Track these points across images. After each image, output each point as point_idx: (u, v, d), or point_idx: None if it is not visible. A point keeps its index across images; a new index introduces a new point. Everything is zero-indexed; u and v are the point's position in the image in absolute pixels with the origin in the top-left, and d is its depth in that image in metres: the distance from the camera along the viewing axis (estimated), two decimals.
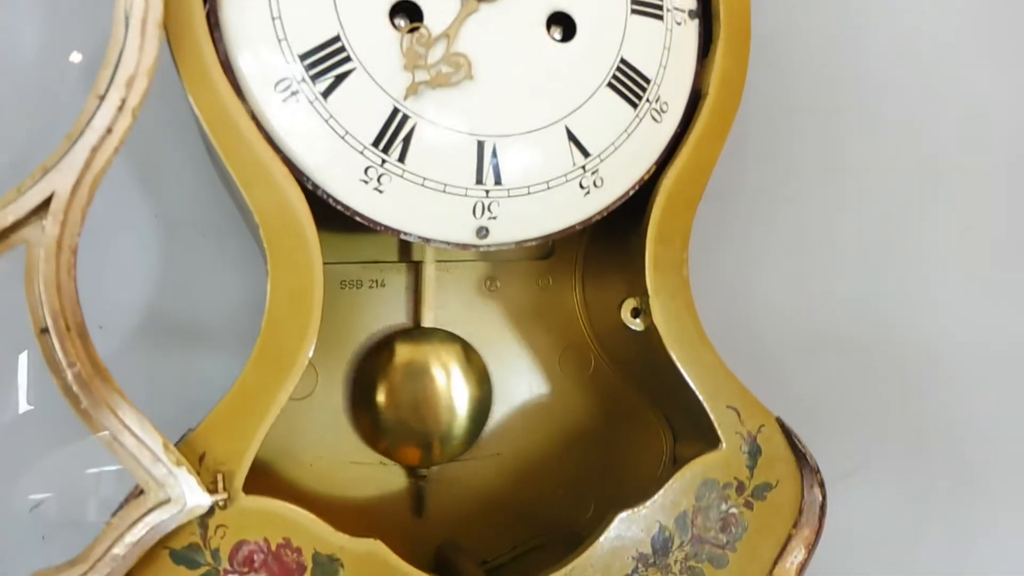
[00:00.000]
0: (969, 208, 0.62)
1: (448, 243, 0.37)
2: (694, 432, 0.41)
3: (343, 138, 0.34)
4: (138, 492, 0.30)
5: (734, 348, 0.42)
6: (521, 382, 0.48)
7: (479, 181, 0.36)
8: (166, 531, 0.30)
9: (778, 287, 0.58)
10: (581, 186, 0.38)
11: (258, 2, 0.34)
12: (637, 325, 0.40)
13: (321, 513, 0.34)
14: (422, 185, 0.35)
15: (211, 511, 0.32)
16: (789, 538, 0.39)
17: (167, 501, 0.30)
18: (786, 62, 0.57)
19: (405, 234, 0.36)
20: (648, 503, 0.38)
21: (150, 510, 0.30)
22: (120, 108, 0.30)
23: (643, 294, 0.39)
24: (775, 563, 0.39)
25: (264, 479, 0.34)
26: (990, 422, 0.62)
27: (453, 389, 0.45)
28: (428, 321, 0.45)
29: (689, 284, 0.39)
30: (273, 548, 0.33)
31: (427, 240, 0.36)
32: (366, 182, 0.35)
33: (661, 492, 0.38)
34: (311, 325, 0.34)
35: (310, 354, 0.34)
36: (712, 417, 0.39)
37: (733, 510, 0.39)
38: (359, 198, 0.35)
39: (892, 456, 0.61)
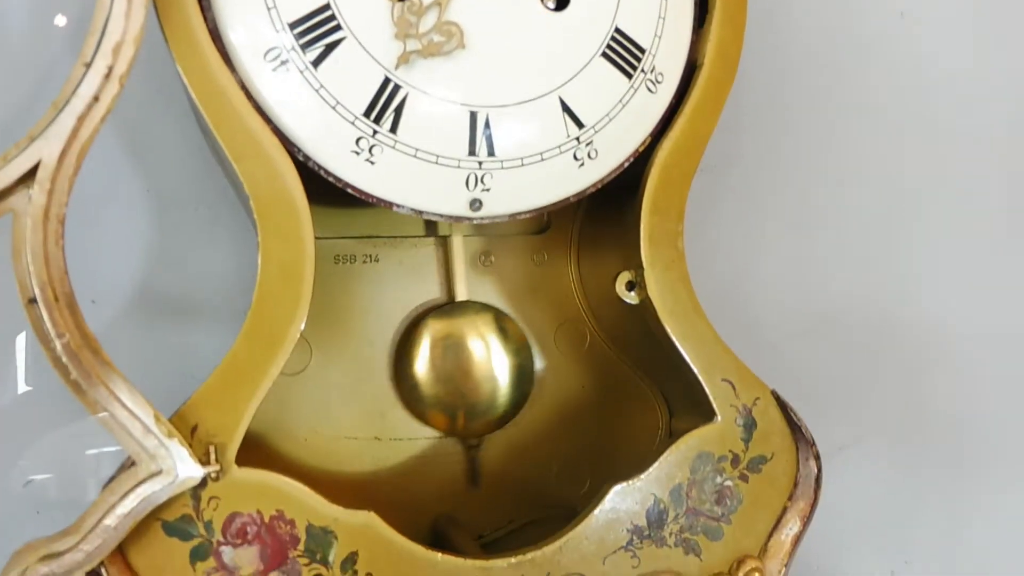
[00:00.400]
0: (969, 189, 0.61)
1: (441, 215, 0.36)
2: (690, 406, 0.41)
3: (334, 108, 0.34)
4: (129, 463, 0.30)
5: (730, 326, 0.42)
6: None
7: (472, 152, 0.36)
8: (158, 502, 0.30)
9: (774, 266, 0.58)
10: (575, 158, 0.37)
11: None
12: (632, 298, 0.39)
13: (315, 487, 0.34)
14: (414, 156, 0.35)
15: (203, 483, 0.32)
16: (784, 510, 0.39)
17: (159, 472, 0.30)
18: (783, 38, 0.57)
19: (397, 206, 0.36)
20: (643, 476, 0.37)
21: (141, 481, 0.30)
22: (107, 76, 0.30)
23: (638, 267, 0.39)
24: (770, 535, 0.39)
25: (257, 453, 0.34)
26: (987, 403, 0.62)
27: (493, 359, 0.44)
28: (461, 295, 0.45)
29: (684, 257, 0.39)
30: (266, 520, 0.33)
31: (420, 212, 0.36)
32: (357, 153, 0.34)
33: (656, 465, 0.38)
34: (303, 298, 0.33)
35: (302, 327, 0.33)
36: (707, 390, 0.38)
37: (728, 483, 0.38)
38: (351, 169, 0.35)
39: (888, 434, 0.61)
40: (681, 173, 0.39)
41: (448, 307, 0.45)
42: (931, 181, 0.60)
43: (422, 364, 0.44)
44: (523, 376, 0.46)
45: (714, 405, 0.39)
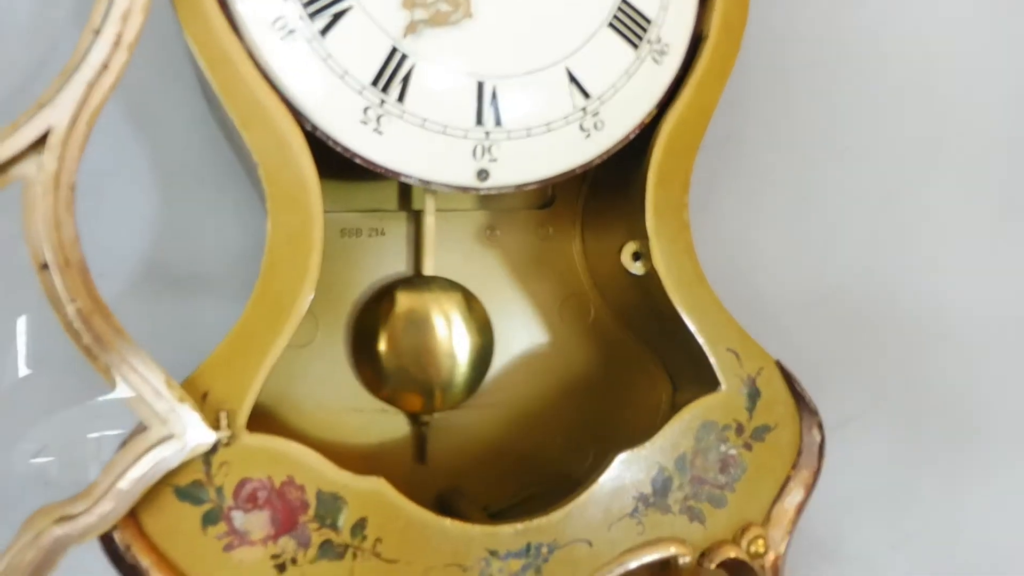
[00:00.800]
0: (973, 164, 0.61)
1: (448, 186, 0.36)
2: (694, 379, 0.42)
3: (342, 78, 0.34)
4: (141, 428, 0.31)
5: (732, 302, 0.42)
6: (521, 331, 0.48)
7: (479, 122, 0.36)
8: (170, 467, 0.31)
9: (777, 241, 0.58)
10: (582, 128, 0.37)
11: None
12: (637, 269, 0.39)
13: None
14: (422, 126, 0.35)
15: (214, 449, 0.32)
16: (788, 479, 0.40)
17: (170, 437, 0.30)
18: (788, 10, 0.57)
19: (405, 176, 0.36)
20: (648, 444, 0.38)
21: (153, 445, 0.30)
22: (116, 43, 0.30)
23: (643, 238, 0.39)
24: (773, 503, 0.39)
25: (265, 426, 0.34)
26: (989, 378, 0.63)
27: (454, 337, 0.44)
28: (429, 269, 0.45)
29: (689, 227, 0.39)
30: (277, 486, 0.33)
31: (427, 183, 0.36)
32: (365, 123, 0.35)
33: (661, 434, 0.38)
34: (312, 265, 0.34)
35: (311, 294, 0.34)
36: (712, 360, 0.39)
37: (732, 451, 0.39)
38: (358, 139, 0.35)
39: (889, 409, 0.61)
40: (686, 144, 0.39)
41: (416, 281, 0.45)
42: (935, 157, 0.60)
43: (383, 338, 0.44)
44: (480, 357, 0.45)
45: (719, 375, 0.39)
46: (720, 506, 0.39)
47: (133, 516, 0.31)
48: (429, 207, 0.44)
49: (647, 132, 0.39)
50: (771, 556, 0.39)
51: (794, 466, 0.40)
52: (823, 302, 0.59)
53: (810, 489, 0.40)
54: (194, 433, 0.31)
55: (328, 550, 0.34)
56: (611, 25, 0.37)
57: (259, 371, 0.33)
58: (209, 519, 0.33)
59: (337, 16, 0.34)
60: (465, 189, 0.37)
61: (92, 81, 0.30)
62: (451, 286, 0.45)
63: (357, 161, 0.35)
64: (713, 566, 0.38)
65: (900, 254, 0.61)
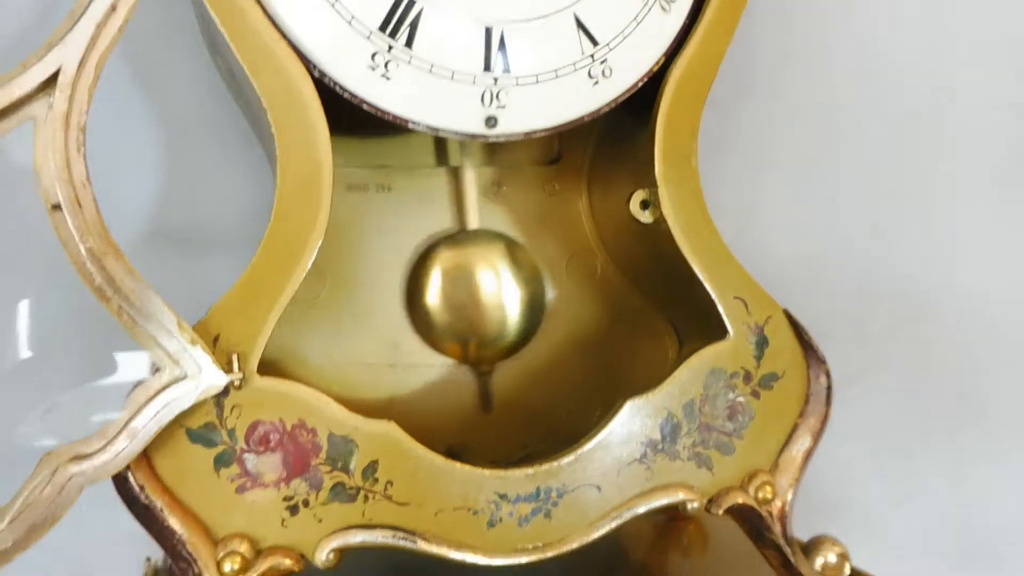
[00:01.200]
0: (978, 132, 0.61)
1: (456, 132, 0.36)
2: (700, 334, 0.42)
3: (349, 23, 0.34)
4: (154, 369, 0.31)
5: (737, 255, 0.42)
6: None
7: (487, 68, 0.36)
8: (182, 408, 0.31)
9: (783, 204, 0.58)
10: (590, 75, 0.37)
11: None
12: (646, 217, 0.40)
13: None
14: (430, 72, 0.35)
15: (226, 391, 0.32)
16: (795, 427, 0.40)
17: (183, 378, 0.30)
18: None
19: (413, 123, 0.36)
20: (657, 391, 0.38)
21: (166, 386, 0.30)
22: None
23: (652, 186, 0.39)
24: (781, 450, 0.40)
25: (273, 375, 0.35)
26: (993, 338, 0.63)
27: (503, 288, 0.45)
28: (473, 223, 0.45)
29: (698, 175, 0.39)
30: (288, 428, 0.33)
31: (435, 130, 0.36)
32: (373, 69, 0.35)
33: (669, 381, 0.38)
34: (321, 209, 0.34)
35: (321, 239, 0.34)
36: (720, 308, 0.39)
37: (740, 399, 0.39)
38: (366, 85, 0.35)
39: (895, 369, 0.61)
40: (695, 92, 0.39)
41: (459, 236, 0.45)
42: (942, 118, 0.60)
43: (434, 293, 0.44)
44: (534, 305, 0.46)
45: (727, 322, 0.39)
46: (728, 453, 0.39)
47: (147, 458, 0.32)
48: (468, 162, 0.44)
49: (655, 81, 0.39)
50: (778, 503, 0.39)
51: (801, 414, 0.40)
52: (828, 263, 0.59)
53: (817, 436, 0.40)
54: (206, 375, 0.31)
55: (340, 492, 0.34)
56: None
57: (270, 315, 0.33)
58: (222, 461, 0.33)
59: None
60: (473, 136, 0.37)
61: (101, 22, 0.30)
62: (496, 237, 0.46)
63: (365, 107, 0.35)
64: (721, 512, 0.38)
65: (906, 217, 0.61)
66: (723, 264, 0.39)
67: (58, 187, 0.29)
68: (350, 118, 0.35)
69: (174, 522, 0.32)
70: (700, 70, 0.39)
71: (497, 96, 0.36)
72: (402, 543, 0.34)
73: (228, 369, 0.32)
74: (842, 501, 0.60)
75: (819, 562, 0.39)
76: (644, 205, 0.40)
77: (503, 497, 0.36)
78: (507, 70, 0.36)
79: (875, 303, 0.61)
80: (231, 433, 0.33)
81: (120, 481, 0.31)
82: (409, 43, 0.35)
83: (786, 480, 0.39)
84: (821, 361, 0.40)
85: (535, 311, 0.46)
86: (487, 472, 0.36)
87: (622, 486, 0.37)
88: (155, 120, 0.48)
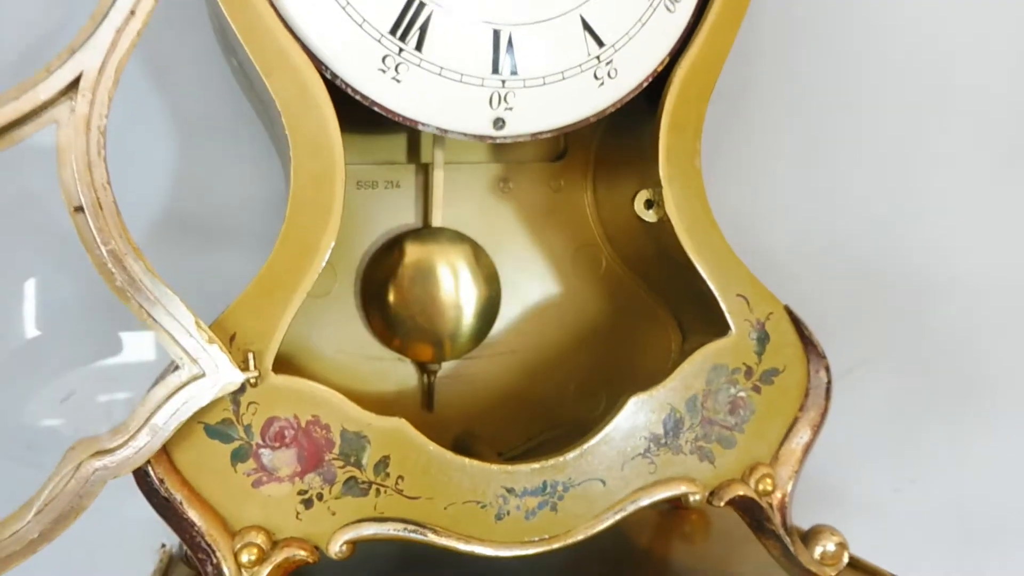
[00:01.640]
0: (981, 120, 0.62)
1: (465, 134, 0.37)
2: (703, 327, 0.43)
3: (360, 26, 0.35)
4: (173, 367, 0.32)
5: (742, 250, 0.43)
6: (533, 282, 0.49)
7: (495, 71, 0.36)
8: (201, 405, 0.32)
9: (787, 190, 0.59)
10: (596, 77, 0.38)
11: None
12: (650, 216, 0.40)
13: None
14: (439, 75, 0.36)
15: (243, 388, 0.33)
16: (795, 420, 0.41)
17: (201, 376, 0.31)
18: None
19: (423, 125, 0.36)
20: (660, 387, 0.39)
21: (185, 384, 0.31)
22: None
23: (656, 185, 0.39)
24: (782, 443, 0.41)
25: (285, 372, 0.35)
26: (990, 327, 0.64)
27: (461, 287, 0.45)
28: (437, 220, 0.45)
29: (701, 174, 0.40)
30: (303, 424, 0.34)
31: (444, 131, 0.37)
32: (384, 71, 0.35)
33: (672, 377, 0.39)
34: (335, 209, 0.34)
35: (334, 239, 0.34)
36: (722, 304, 0.40)
37: (742, 394, 0.40)
38: (377, 87, 0.35)
39: (894, 357, 0.62)
40: (699, 92, 0.40)
41: (424, 232, 0.46)
42: (942, 108, 0.60)
43: (392, 289, 0.45)
44: (487, 308, 0.46)
45: (729, 319, 0.40)
46: (729, 446, 0.40)
47: (166, 453, 0.33)
48: (438, 160, 0.45)
49: (660, 79, 0.40)
50: (778, 494, 0.40)
51: (801, 408, 0.41)
52: (831, 250, 0.60)
53: (817, 430, 0.41)
54: (223, 373, 0.32)
55: (353, 487, 0.35)
56: None
57: (284, 314, 0.34)
58: (238, 456, 0.34)
59: None
60: (481, 138, 0.37)
61: (120, 27, 0.30)
62: (458, 237, 0.46)
63: (376, 109, 0.36)
64: (722, 503, 0.39)
65: (908, 204, 0.61)
66: (726, 262, 0.40)
67: (80, 189, 0.30)
68: (361, 115, 0.36)
69: (193, 514, 0.33)
70: (704, 70, 0.40)
71: (505, 98, 0.37)
72: (413, 536, 0.35)
73: (244, 367, 0.33)
74: (842, 487, 0.61)
75: (818, 551, 0.41)
76: (648, 204, 0.40)
77: (510, 491, 0.37)
78: (515, 72, 0.36)
79: (875, 291, 0.61)
80: (247, 429, 0.34)
81: (141, 475, 0.32)
82: (419, 46, 0.35)
83: (786, 472, 0.40)
84: (821, 356, 0.41)
85: (487, 314, 0.47)
86: (495, 467, 0.37)
87: (626, 480, 0.38)
88: (169, 114, 0.48)
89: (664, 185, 0.39)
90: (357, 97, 0.35)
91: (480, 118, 0.37)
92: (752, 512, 0.40)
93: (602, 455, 0.38)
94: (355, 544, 0.35)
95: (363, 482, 0.35)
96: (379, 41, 0.35)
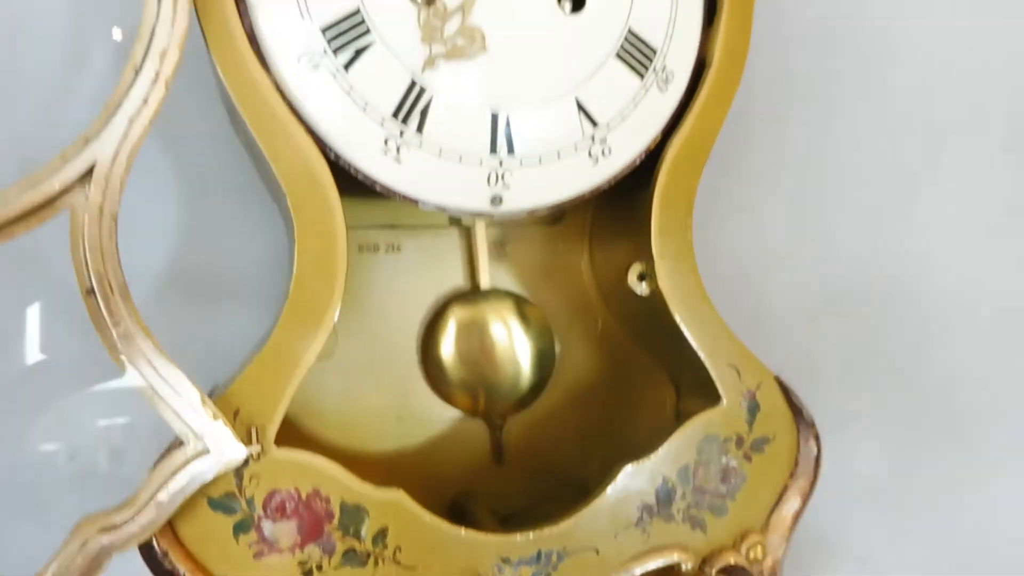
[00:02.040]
0: (969, 171, 0.63)
1: (464, 211, 0.38)
2: (697, 387, 0.43)
3: (364, 109, 0.36)
4: (178, 443, 0.33)
5: (736, 304, 0.44)
6: None
7: (493, 151, 0.38)
8: (205, 480, 0.33)
9: (780, 245, 0.60)
10: (590, 155, 0.39)
11: None
12: (643, 290, 0.41)
13: (342, 464, 0.37)
14: (439, 155, 0.37)
15: (246, 462, 0.34)
16: (785, 488, 0.42)
17: (206, 452, 0.32)
18: (788, 25, 0.58)
19: (423, 203, 0.38)
20: (653, 456, 0.40)
21: (190, 460, 0.32)
22: (155, 80, 0.32)
23: (648, 259, 0.41)
24: (772, 511, 0.41)
25: (288, 432, 0.36)
26: (984, 379, 0.64)
27: (515, 343, 0.46)
28: (484, 283, 0.47)
29: (693, 249, 0.41)
30: (304, 497, 0.35)
31: (443, 208, 0.38)
32: (385, 152, 0.37)
33: (665, 446, 0.40)
34: (336, 288, 0.36)
35: (336, 315, 0.36)
36: (713, 375, 0.41)
37: (733, 462, 0.41)
38: (379, 168, 0.37)
39: (888, 409, 0.63)
40: (691, 168, 0.41)
41: (472, 294, 0.47)
42: (932, 167, 0.61)
43: (448, 348, 0.46)
44: (544, 360, 0.48)
45: (720, 389, 0.41)
46: (721, 514, 0.41)
47: (170, 525, 0.34)
48: (480, 222, 0.46)
49: (653, 156, 0.41)
50: (769, 561, 0.41)
51: (791, 476, 0.42)
52: (824, 304, 0.61)
53: (806, 498, 0.42)
54: (227, 449, 0.33)
55: (352, 557, 0.36)
56: (618, 56, 0.39)
57: (287, 388, 0.35)
58: (241, 528, 0.35)
59: (360, 51, 0.35)
60: (479, 214, 0.39)
61: (133, 116, 0.32)
62: (506, 296, 0.47)
63: (377, 188, 0.37)
64: (714, 571, 0.40)
65: (898, 259, 0.62)
66: (716, 333, 0.41)
67: (91, 273, 0.31)
68: (360, 181, 0.37)
69: None
70: (696, 146, 0.41)
71: (502, 177, 0.38)
72: None
73: (248, 441, 0.34)
74: (836, 539, 0.62)
75: None
76: (641, 277, 0.42)
77: (506, 561, 0.37)
78: (511, 152, 0.38)
79: (870, 341, 0.62)
80: (250, 502, 0.35)
81: (145, 548, 0.33)
82: (420, 128, 0.37)
83: (776, 539, 0.41)
84: (810, 425, 0.42)
85: (545, 365, 0.48)
86: (491, 537, 0.37)
87: (620, 548, 0.39)
88: (174, 174, 0.49)
89: (656, 259, 0.40)
90: (359, 177, 0.37)
91: (478, 196, 0.38)
92: None
93: (596, 524, 0.39)
94: None
95: (362, 552, 0.36)
96: (381, 124, 0.36)
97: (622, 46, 0.39)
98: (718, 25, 0.41)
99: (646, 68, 0.40)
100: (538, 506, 0.49)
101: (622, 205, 0.45)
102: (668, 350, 0.45)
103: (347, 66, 0.35)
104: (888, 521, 0.64)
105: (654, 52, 0.40)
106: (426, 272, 0.48)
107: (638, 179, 0.42)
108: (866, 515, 0.63)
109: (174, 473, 0.32)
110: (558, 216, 0.50)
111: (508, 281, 0.50)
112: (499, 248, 0.49)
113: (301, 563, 0.35)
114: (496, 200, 0.38)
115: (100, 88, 0.44)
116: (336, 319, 0.36)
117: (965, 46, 0.62)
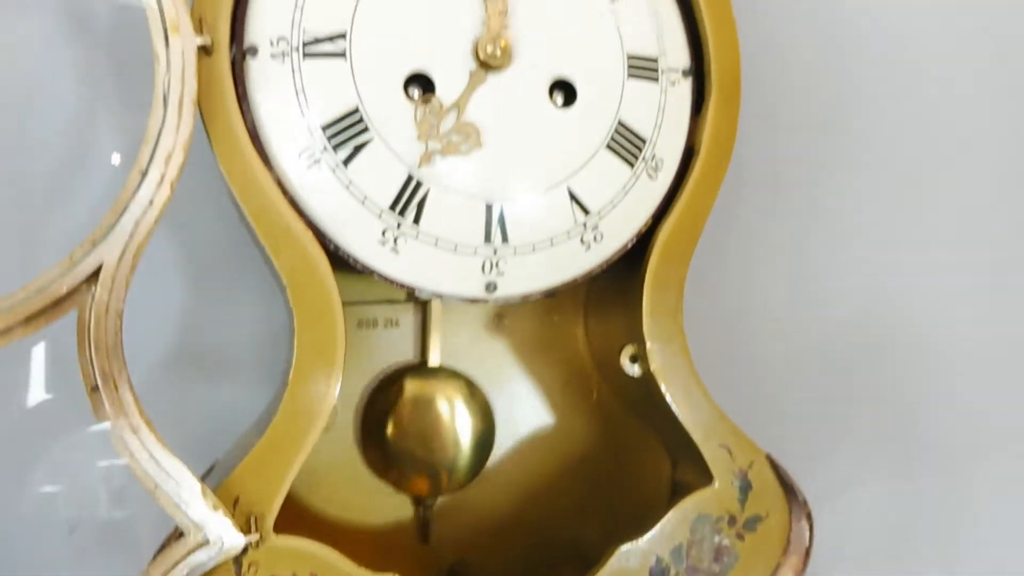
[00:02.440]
0: (964, 215, 0.63)
1: (459, 297, 0.40)
2: (691, 460, 0.44)
3: (362, 203, 0.37)
4: (178, 535, 0.33)
5: (733, 361, 0.44)
6: (527, 411, 0.51)
7: (487, 240, 0.39)
8: (204, 571, 0.33)
9: (774, 303, 0.61)
10: (582, 241, 0.41)
11: (283, 76, 0.37)
12: (635, 371, 0.42)
13: (337, 538, 0.37)
14: (435, 245, 0.38)
15: (245, 550, 0.35)
16: (778, 566, 0.42)
17: (205, 543, 0.33)
18: (778, 75, 0.59)
19: (419, 290, 0.39)
20: (646, 537, 0.40)
21: (190, 551, 0.33)
22: (160, 182, 0.34)
23: (640, 340, 0.42)
24: None
25: (286, 507, 0.37)
26: (985, 436, 0.64)
27: (458, 423, 0.47)
28: (434, 360, 0.48)
29: (683, 331, 0.42)
30: None
31: (440, 295, 0.39)
32: (383, 244, 0.38)
33: (658, 526, 0.41)
34: (334, 375, 0.37)
35: (334, 401, 0.37)
36: (705, 456, 0.41)
37: (725, 541, 0.41)
38: (377, 258, 0.38)
39: (886, 470, 0.63)
40: (681, 251, 0.42)
41: (422, 370, 0.48)
42: (931, 208, 0.62)
43: (389, 426, 0.47)
44: (483, 443, 0.48)
45: (712, 469, 0.41)
46: None
47: None
48: (436, 302, 0.47)
49: (644, 239, 0.42)
50: None
51: (784, 553, 0.42)
52: (821, 358, 0.61)
53: (800, 574, 0.42)
54: (227, 538, 0.33)
55: None
56: (609, 146, 0.40)
57: (286, 476, 0.36)
58: None
59: (358, 148, 0.37)
60: (475, 300, 0.40)
61: (139, 217, 0.33)
62: (454, 375, 0.48)
63: (375, 277, 0.38)
64: None
65: (892, 310, 0.63)
66: (708, 415, 0.42)
67: (96, 371, 0.32)
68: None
69: None
70: (686, 230, 0.42)
71: (496, 265, 0.39)
72: None
73: (247, 530, 0.34)
74: None
75: None
76: (633, 359, 0.42)
77: None
78: (505, 241, 0.39)
79: (862, 405, 0.63)
80: None
81: None
82: (417, 220, 0.38)
83: None
84: (802, 503, 0.42)
85: (485, 448, 0.48)
86: None
87: None
88: (177, 253, 0.51)
89: (647, 341, 0.41)
90: (358, 267, 0.38)
91: (473, 283, 0.39)
92: None
93: None
94: None
95: None
96: (379, 216, 0.37)
97: (612, 137, 0.41)
98: (706, 114, 0.43)
99: (636, 157, 0.41)
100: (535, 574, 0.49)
101: (616, 282, 0.46)
102: (662, 424, 0.45)
103: (346, 162, 0.37)
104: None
105: (644, 142, 0.41)
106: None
107: (631, 259, 0.43)
108: (866, 569, 0.63)
109: (175, 565, 0.33)
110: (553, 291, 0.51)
111: (505, 352, 0.51)
112: (497, 320, 0.50)
113: None
114: (491, 287, 0.39)
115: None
116: (335, 402, 0.37)
117: (956, 96, 0.63)
